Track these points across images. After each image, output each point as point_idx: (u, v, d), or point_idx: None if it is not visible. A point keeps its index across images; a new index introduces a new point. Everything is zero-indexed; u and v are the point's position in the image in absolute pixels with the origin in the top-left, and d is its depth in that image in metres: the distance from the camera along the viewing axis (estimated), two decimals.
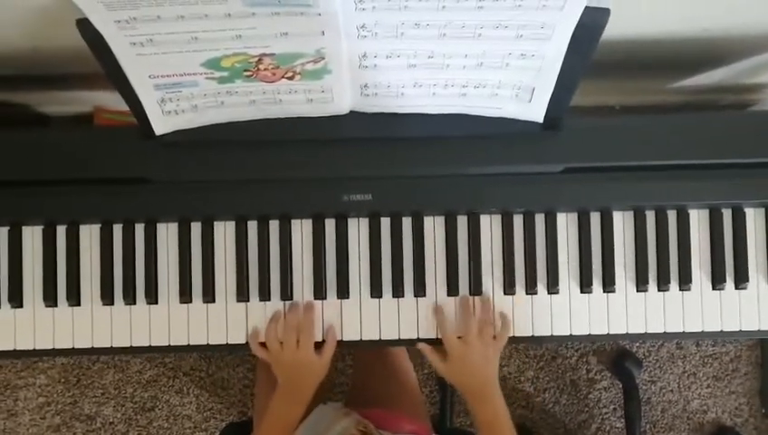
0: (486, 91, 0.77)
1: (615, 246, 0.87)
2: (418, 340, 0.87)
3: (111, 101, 1.14)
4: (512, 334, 0.86)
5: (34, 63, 0.88)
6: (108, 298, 0.87)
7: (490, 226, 0.87)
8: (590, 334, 0.88)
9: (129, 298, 0.87)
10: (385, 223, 0.87)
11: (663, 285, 0.87)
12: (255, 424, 0.90)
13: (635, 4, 0.73)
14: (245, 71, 0.73)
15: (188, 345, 0.88)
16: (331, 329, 0.87)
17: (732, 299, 0.88)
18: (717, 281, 0.87)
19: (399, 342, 0.88)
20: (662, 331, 0.87)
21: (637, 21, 0.79)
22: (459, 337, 0.84)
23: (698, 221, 0.88)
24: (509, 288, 0.87)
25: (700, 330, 0.88)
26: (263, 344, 0.86)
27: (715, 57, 0.96)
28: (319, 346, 0.87)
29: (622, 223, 0.88)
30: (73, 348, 0.88)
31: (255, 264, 0.87)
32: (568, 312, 0.87)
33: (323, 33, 0.67)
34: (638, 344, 1.53)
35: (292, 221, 0.87)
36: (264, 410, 0.89)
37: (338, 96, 0.77)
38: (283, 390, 0.86)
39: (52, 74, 0.95)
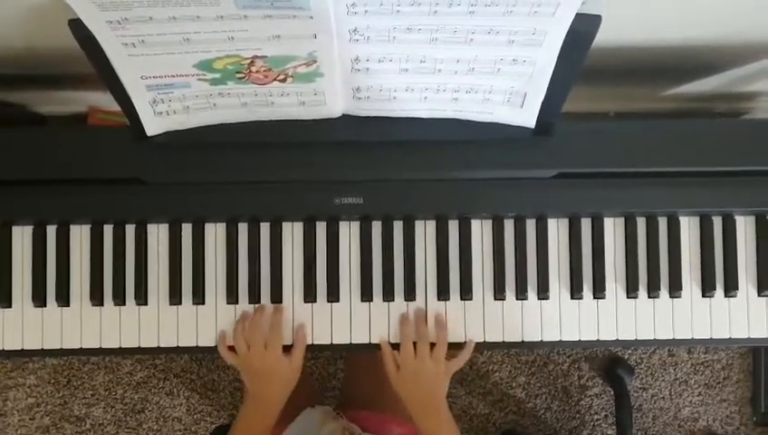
0: (478, 96, 0.77)
1: (606, 253, 0.87)
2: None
3: (106, 101, 1.14)
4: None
5: (29, 63, 0.88)
6: (97, 299, 0.87)
7: (481, 230, 0.88)
8: (579, 340, 0.88)
9: (119, 299, 0.87)
10: (376, 226, 0.87)
11: (653, 291, 0.87)
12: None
13: (626, 12, 0.74)
14: (237, 73, 0.73)
15: (178, 347, 0.87)
16: (300, 329, 0.85)
17: (721, 306, 0.88)
18: (707, 288, 0.87)
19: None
20: (652, 337, 0.88)
21: (629, 28, 0.79)
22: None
23: (689, 228, 0.88)
24: (499, 293, 0.87)
25: (690, 337, 0.88)
26: (232, 348, 0.85)
27: (707, 65, 0.96)
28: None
29: (613, 229, 0.88)
30: (62, 349, 0.87)
31: (245, 266, 0.87)
32: (558, 318, 0.87)
33: (315, 36, 0.67)
34: (629, 351, 1.53)
35: (284, 224, 0.87)
36: None
37: (330, 99, 0.77)
38: (251, 398, 0.85)
39: (46, 74, 0.95)
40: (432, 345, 0.84)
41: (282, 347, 0.84)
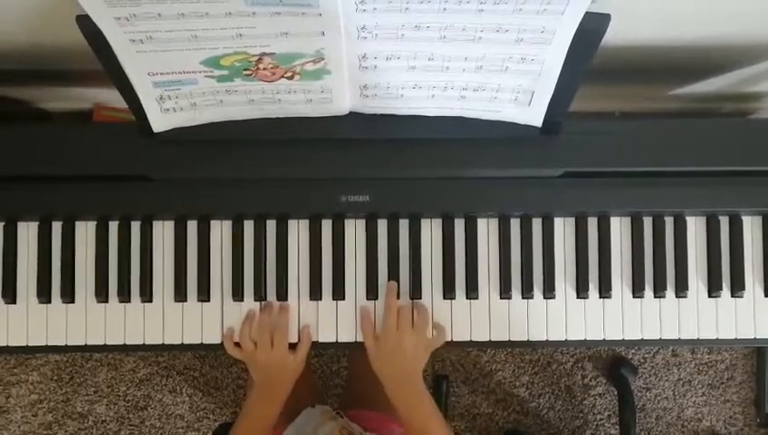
0: (485, 94, 0.77)
1: (612, 252, 0.87)
2: None
3: (112, 98, 1.14)
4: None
5: (35, 59, 0.88)
6: (102, 295, 0.87)
7: (487, 229, 0.87)
8: (585, 340, 0.87)
9: (124, 296, 0.86)
10: (382, 224, 0.87)
11: (659, 291, 0.87)
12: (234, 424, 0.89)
13: (635, 11, 0.73)
14: (245, 70, 0.73)
15: (182, 344, 0.87)
16: (306, 328, 0.86)
17: (728, 307, 0.88)
18: (714, 288, 0.87)
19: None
20: (658, 337, 0.87)
21: (636, 27, 0.79)
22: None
23: (695, 228, 0.88)
24: (505, 292, 0.87)
25: (696, 337, 0.88)
26: (238, 345, 0.86)
27: (714, 65, 0.96)
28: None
29: (619, 228, 0.88)
30: (66, 345, 0.87)
31: (251, 263, 0.87)
32: (564, 317, 0.87)
33: (324, 33, 0.67)
34: (633, 351, 1.53)
35: (290, 221, 0.87)
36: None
37: (337, 97, 0.77)
38: (258, 390, 0.86)
39: (52, 70, 0.95)
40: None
41: (288, 344, 0.85)
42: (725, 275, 0.87)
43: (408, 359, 0.83)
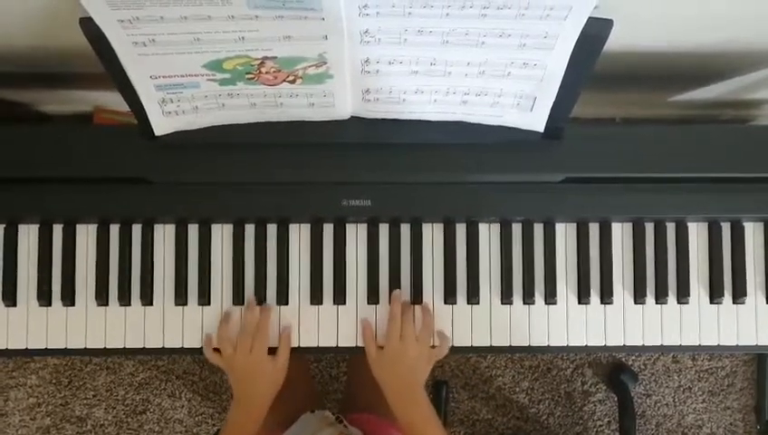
0: (488, 99, 0.77)
1: (613, 258, 0.87)
2: None
3: (112, 101, 1.14)
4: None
5: (36, 61, 0.88)
6: (102, 299, 0.86)
7: (489, 234, 0.87)
8: (586, 346, 0.87)
9: (124, 299, 0.86)
10: (383, 229, 0.87)
11: (661, 297, 0.87)
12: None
13: (637, 16, 0.74)
14: (247, 73, 0.73)
15: (182, 348, 0.87)
16: (286, 332, 0.85)
17: (729, 313, 0.87)
18: (715, 295, 0.87)
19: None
20: (659, 343, 0.87)
21: (639, 33, 0.79)
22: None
23: (697, 234, 0.88)
24: (506, 297, 0.86)
25: (697, 343, 0.87)
26: (217, 350, 0.85)
27: (715, 72, 0.96)
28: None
29: (621, 234, 0.88)
30: (66, 348, 0.87)
31: (252, 267, 0.86)
32: (565, 322, 0.87)
33: (326, 37, 0.67)
34: (633, 357, 1.52)
35: (291, 225, 0.87)
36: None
37: (339, 101, 0.77)
38: (236, 398, 0.84)
39: (53, 73, 0.95)
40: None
41: (267, 349, 0.84)
42: (727, 282, 0.87)
43: (410, 369, 0.83)
